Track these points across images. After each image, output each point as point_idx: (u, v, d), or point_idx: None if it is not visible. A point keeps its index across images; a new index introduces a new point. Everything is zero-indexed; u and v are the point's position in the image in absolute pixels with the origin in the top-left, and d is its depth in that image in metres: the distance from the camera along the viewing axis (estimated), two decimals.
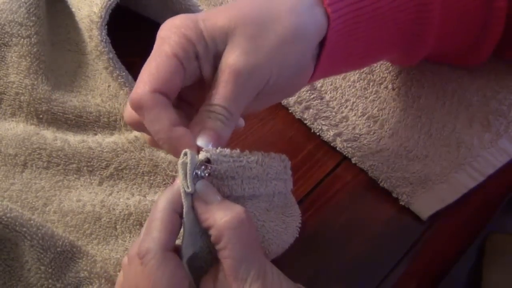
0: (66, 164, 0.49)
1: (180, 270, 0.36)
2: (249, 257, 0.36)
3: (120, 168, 0.49)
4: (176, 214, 0.38)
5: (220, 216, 0.36)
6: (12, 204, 0.46)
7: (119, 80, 0.50)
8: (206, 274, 0.38)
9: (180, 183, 0.37)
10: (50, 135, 0.49)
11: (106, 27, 0.50)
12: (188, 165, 0.37)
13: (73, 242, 0.43)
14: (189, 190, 0.37)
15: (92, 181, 0.49)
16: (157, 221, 0.37)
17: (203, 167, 0.37)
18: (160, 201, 0.38)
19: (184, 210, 0.37)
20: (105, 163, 0.49)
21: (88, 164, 0.49)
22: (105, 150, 0.49)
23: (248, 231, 0.37)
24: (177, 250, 0.38)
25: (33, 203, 0.47)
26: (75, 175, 0.49)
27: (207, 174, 0.38)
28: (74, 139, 0.50)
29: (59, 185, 0.48)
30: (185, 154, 0.37)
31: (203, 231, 0.38)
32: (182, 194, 0.37)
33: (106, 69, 0.50)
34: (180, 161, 0.37)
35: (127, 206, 0.47)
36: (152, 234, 0.37)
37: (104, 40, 0.49)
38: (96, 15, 0.49)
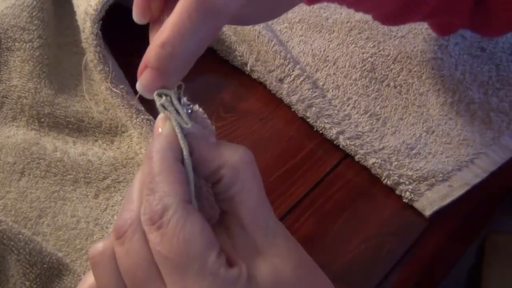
0: (64, 175, 0.48)
1: (208, 224, 0.29)
2: (267, 203, 0.31)
3: (117, 180, 0.49)
4: (180, 163, 0.30)
5: (231, 152, 0.30)
6: (7, 213, 0.45)
7: (100, 74, 0.49)
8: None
9: (170, 125, 0.31)
10: (50, 146, 0.49)
11: (101, 22, 0.49)
12: (174, 100, 0.31)
13: (61, 259, 0.42)
14: (188, 126, 0.31)
15: (88, 193, 0.48)
16: (164, 173, 0.29)
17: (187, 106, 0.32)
18: (156, 151, 0.30)
19: (185, 153, 0.31)
20: (102, 175, 0.49)
21: (86, 175, 0.48)
22: (104, 164, 0.49)
23: (259, 173, 0.31)
24: None
25: (27, 213, 0.46)
26: (71, 186, 0.48)
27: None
28: (74, 151, 0.49)
29: (54, 196, 0.47)
30: (160, 94, 0.31)
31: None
32: (179, 135, 0.31)
33: (91, 62, 0.50)
34: (158, 103, 0.31)
35: None
36: (163, 189, 0.29)
37: (95, 33, 0.48)
38: (92, 8, 0.49)
